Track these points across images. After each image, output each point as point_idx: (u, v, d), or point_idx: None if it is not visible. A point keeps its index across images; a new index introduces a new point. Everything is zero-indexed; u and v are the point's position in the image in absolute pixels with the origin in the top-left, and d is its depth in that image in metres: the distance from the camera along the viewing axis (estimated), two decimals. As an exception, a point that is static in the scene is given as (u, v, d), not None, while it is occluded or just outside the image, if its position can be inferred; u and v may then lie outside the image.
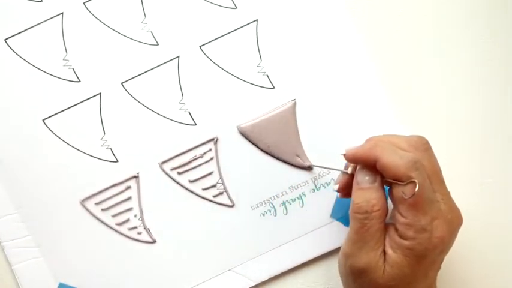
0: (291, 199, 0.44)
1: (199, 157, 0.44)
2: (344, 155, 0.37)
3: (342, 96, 0.44)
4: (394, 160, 0.34)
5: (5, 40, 0.44)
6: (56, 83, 0.44)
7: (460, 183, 0.42)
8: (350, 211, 0.36)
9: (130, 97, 0.44)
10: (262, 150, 0.44)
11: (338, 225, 0.43)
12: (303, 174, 0.44)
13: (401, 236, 0.34)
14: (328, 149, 0.44)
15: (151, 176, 0.44)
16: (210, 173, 0.44)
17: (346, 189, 0.38)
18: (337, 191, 0.39)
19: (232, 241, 0.44)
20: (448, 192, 0.36)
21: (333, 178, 0.44)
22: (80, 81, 0.44)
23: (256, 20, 0.44)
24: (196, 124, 0.44)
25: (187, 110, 0.44)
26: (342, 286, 0.38)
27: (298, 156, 0.44)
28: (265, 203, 0.44)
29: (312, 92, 0.44)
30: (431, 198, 0.34)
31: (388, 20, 0.45)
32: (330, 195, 0.43)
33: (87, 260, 0.44)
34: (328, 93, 0.44)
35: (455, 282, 0.43)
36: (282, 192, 0.44)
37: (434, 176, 0.35)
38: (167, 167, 0.44)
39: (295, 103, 0.44)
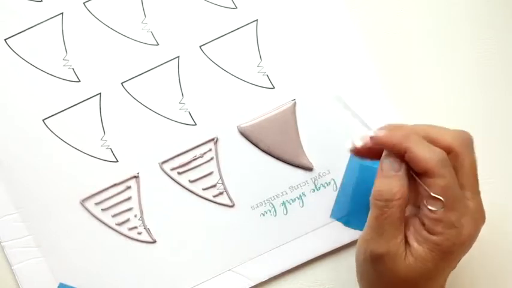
0: (291, 199, 0.44)
1: (199, 157, 0.44)
2: (372, 137, 0.36)
3: (342, 96, 0.44)
4: (425, 154, 0.33)
5: (5, 40, 0.44)
6: (56, 83, 0.44)
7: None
8: (371, 197, 0.35)
9: (131, 97, 0.44)
10: (262, 150, 0.44)
11: (338, 225, 0.43)
12: (303, 174, 0.44)
13: (429, 231, 0.34)
14: (328, 148, 0.44)
15: (151, 176, 0.44)
16: (210, 173, 0.44)
17: (363, 152, 0.37)
18: (353, 150, 0.37)
19: (232, 241, 0.44)
20: (479, 192, 0.36)
21: (334, 178, 0.44)
22: (80, 81, 0.44)
23: (256, 20, 0.44)
24: (196, 124, 0.44)
25: (187, 110, 0.44)
26: (357, 277, 0.38)
27: (298, 156, 0.44)
28: (265, 203, 0.44)
29: (312, 92, 0.44)
30: (459, 196, 0.34)
31: (388, 19, 0.45)
32: (330, 195, 0.43)
33: (87, 260, 0.44)
34: (328, 93, 0.44)
35: (455, 282, 0.43)
36: (282, 192, 0.44)
37: (470, 173, 0.35)
38: (167, 167, 0.44)
39: (295, 103, 0.44)
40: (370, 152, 0.36)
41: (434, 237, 0.33)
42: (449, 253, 0.34)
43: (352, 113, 0.38)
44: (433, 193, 0.33)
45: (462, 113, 0.45)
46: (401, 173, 0.34)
